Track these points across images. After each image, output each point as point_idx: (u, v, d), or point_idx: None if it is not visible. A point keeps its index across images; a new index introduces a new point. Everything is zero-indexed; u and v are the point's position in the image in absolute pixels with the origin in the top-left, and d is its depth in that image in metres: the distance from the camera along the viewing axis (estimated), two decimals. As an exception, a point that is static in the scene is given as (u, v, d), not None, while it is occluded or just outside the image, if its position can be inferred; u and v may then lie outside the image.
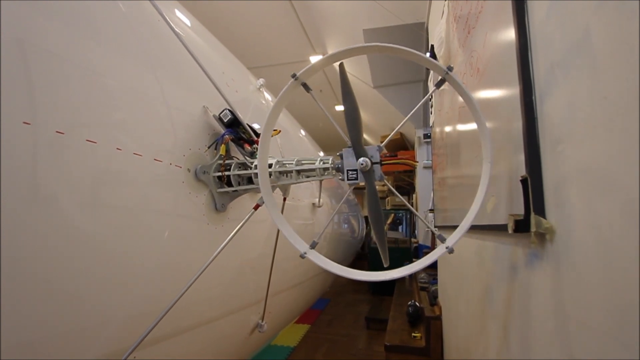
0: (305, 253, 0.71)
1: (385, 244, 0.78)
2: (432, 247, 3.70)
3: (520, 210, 0.62)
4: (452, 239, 0.67)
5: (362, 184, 0.75)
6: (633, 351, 0.37)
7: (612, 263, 0.41)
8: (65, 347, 0.62)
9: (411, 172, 5.38)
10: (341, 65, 0.71)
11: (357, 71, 4.24)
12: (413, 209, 0.83)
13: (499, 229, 0.75)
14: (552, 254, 0.55)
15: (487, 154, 0.67)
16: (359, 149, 0.72)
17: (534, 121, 0.58)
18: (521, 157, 0.62)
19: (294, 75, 0.68)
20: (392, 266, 0.72)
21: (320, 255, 0.71)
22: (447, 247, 0.65)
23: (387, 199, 5.98)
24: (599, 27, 0.43)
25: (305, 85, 0.71)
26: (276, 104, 0.72)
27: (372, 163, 0.71)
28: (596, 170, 0.44)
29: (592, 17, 0.44)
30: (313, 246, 0.71)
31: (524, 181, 0.59)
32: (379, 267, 0.72)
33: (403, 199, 0.78)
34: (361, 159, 0.70)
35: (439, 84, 0.70)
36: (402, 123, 0.80)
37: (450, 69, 0.62)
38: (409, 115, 0.79)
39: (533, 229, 0.56)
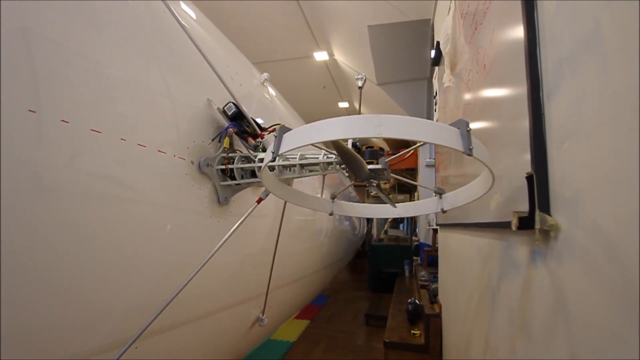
0: (332, 211, 0.84)
1: (391, 199, 0.90)
2: (433, 244, 3.70)
3: (524, 208, 0.62)
4: (448, 199, 0.71)
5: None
6: (634, 349, 0.37)
7: (617, 261, 0.41)
8: (68, 336, 0.63)
9: (413, 170, 5.37)
10: (335, 143, 0.62)
11: (361, 67, 4.22)
12: (416, 182, 0.86)
13: (502, 226, 0.75)
14: (556, 251, 0.54)
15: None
16: (364, 176, 0.73)
17: (541, 117, 0.58)
18: (527, 154, 0.62)
19: (273, 157, 0.60)
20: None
21: (344, 204, 0.80)
22: (442, 209, 0.69)
23: (389, 196, 5.98)
24: (609, 22, 0.43)
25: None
26: (262, 173, 0.74)
27: (378, 175, 0.73)
28: (603, 167, 0.44)
29: (603, 12, 0.44)
30: (333, 197, 0.78)
31: (529, 178, 0.59)
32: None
33: (411, 181, 0.80)
34: (369, 183, 0.74)
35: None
36: (412, 148, 0.81)
37: (470, 154, 0.51)
38: (419, 144, 0.79)
39: (537, 226, 0.55)
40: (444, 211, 0.80)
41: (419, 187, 4.51)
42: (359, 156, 0.67)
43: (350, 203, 0.95)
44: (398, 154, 0.80)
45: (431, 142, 0.51)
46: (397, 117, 0.49)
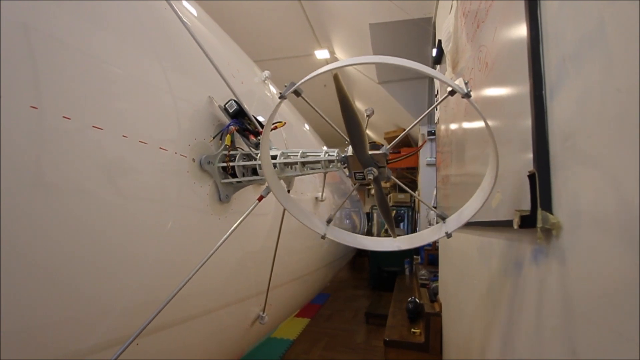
0: (325, 234, 0.75)
1: (392, 222, 0.85)
2: (433, 244, 3.70)
3: (525, 206, 0.61)
4: (451, 226, 0.68)
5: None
6: (635, 346, 0.37)
7: (618, 258, 0.41)
8: (68, 333, 0.63)
9: (414, 169, 5.37)
10: (335, 78, 0.63)
11: (362, 66, 4.21)
12: (416, 196, 0.84)
13: (504, 225, 0.74)
14: (558, 249, 0.54)
15: (493, 165, 0.66)
16: (364, 159, 0.71)
17: (544, 115, 0.58)
18: (529, 152, 0.61)
19: (281, 96, 0.63)
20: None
21: (337, 230, 0.74)
22: (446, 233, 0.67)
23: (389, 196, 5.98)
24: (613, 20, 0.43)
25: (296, 92, 0.69)
26: (269, 120, 0.72)
27: (379, 167, 0.71)
28: (606, 164, 0.43)
29: (606, 9, 0.44)
30: (329, 220, 0.73)
31: (531, 176, 0.59)
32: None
33: (409, 190, 0.78)
34: (368, 170, 0.71)
35: (452, 92, 0.67)
36: (411, 126, 0.79)
37: (468, 95, 0.57)
38: (418, 120, 0.77)
39: (539, 224, 0.55)
40: (448, 235, 0.73)
41: (419, 186, 4.50)
42: (359, 120, 0.66)
43: (346, 232, 0.85)
44: (398, 137, 0.78)
45: (431, 75, 0.59)
46: (398, 58, 0.56)
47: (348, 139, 0.71)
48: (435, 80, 2.41)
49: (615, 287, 0.41)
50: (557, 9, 0.56)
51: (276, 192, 0.76)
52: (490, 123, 0.90)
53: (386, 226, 0.91)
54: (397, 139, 0.78)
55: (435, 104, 0.84)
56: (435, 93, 2.32)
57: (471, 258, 1.23)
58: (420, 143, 4.49)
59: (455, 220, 0.74)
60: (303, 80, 0.61)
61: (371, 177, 0.71)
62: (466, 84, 0.57)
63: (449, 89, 0.62)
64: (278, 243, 1.24)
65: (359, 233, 4.54)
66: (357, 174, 0.75)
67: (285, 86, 0.62)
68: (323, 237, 0.78)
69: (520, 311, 0.70)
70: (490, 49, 0.91)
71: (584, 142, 0.48)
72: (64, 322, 0.61)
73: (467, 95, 0.57)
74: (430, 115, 3.83)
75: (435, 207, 2.35)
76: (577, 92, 0.50)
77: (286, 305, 1.86)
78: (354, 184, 0.79)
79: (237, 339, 1.29)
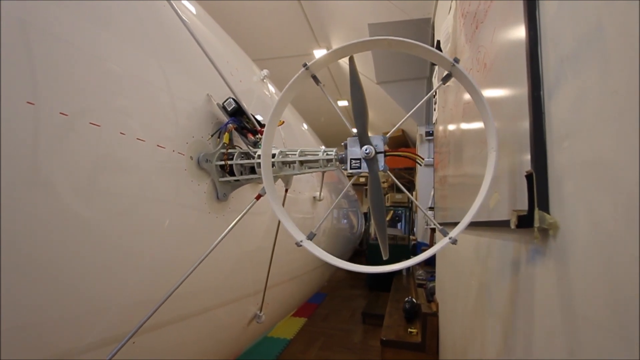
0: (301, 241, 0.70)
1: (385, 234, 0.78)
2: (431, 244, 3.71)
3: (523, 207, 0.62)
4: (454, 231, 0.67)
5: (362, 179, 0.75)
6: (634, 346, 0.37)
7: (615, 258, 0.41)
8: (65, 332, 0.62)
9: (411, 170, 5.38)
10: (351, 59, 0.71)
11: (361, 66, 4.20)
12: (415, 201, 0.83)
13: (501, 225, 0.75)
14: (555, 249, 0.55)
15: (492, 143, 0.66)
16: (364, 138, 0.72)
17: (541, 116, 0.58)
18: (526, 153, 0.62)
19: (305, 65, 0.68)
20: (390, 262, 0.72)
21: (316, 246, 0.71)
22: (450, 238, 0.65)
23: (386, 196, 5.99)
24: (611, 21, 0.43)
25: (315, 78, 0.71)
26: (284, 92, 0.71)
27: (376, 152, 0.72)
28: (603, 165, 0.44)
29: (605, 11, 0.44)
30: (310, 237, 0.71)
31: (528, 176, 0.59)
32: (377, 263, 0.71)
33: (407, 192, 0.78)
34: (365, 147, 0.71)
35: (445, 79, 0.70)
36: (405, 117, 0.80)
37: (456, 60, 0.62)
38: (412, 110, 0.78)
39: (536, 224, 0.55)
40: (453, 240, 0.66)
41: (417, 186, 4.51)
42: (365, 98, 0.72)
43: (323, 251, 0.71)
44: (394, 127, 0.79)
45: (424, 56, 0.67)
46: (402, 39, 0.65)
47: (351, 125, 0.75)
48: (433, 80, 2.42)
49: (613, 287, 0.41)
50: (556, 11, 0.57)
51: (271, 197, 0.75)
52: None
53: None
54: (393, 129, 0.78)
55: (432, 90, 0.85)
56: (434, 94, 2.32)
57: (469, 258, 1.23)
58: (418, 144, 4.50)
59: (457, 227, 0.69)
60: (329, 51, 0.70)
61: (369, 152, 0.70)
62: (456, 58, 0.63)
63: (445, 73, 0.67)
64: (276, 242, 1.24)
65: (356, 232, 4.50)
66: (354, 162, 0.74)
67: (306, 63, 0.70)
68: (298, 244, 0.71)
69: (517, 311, 0.71)
70: (489, 50, 0.91)
71: (582, 143, 0.48)
72: (60, 320, 0.61)
73: (455, 60, 0.62)
74: (429, 115, 3.84)
75: (432, 208, 2.35)
76: (575, 94, 0.50)
77: (283, 304, 1.86)
78: (350, 177, 0.79)
79: (234, 338, 1.29)
